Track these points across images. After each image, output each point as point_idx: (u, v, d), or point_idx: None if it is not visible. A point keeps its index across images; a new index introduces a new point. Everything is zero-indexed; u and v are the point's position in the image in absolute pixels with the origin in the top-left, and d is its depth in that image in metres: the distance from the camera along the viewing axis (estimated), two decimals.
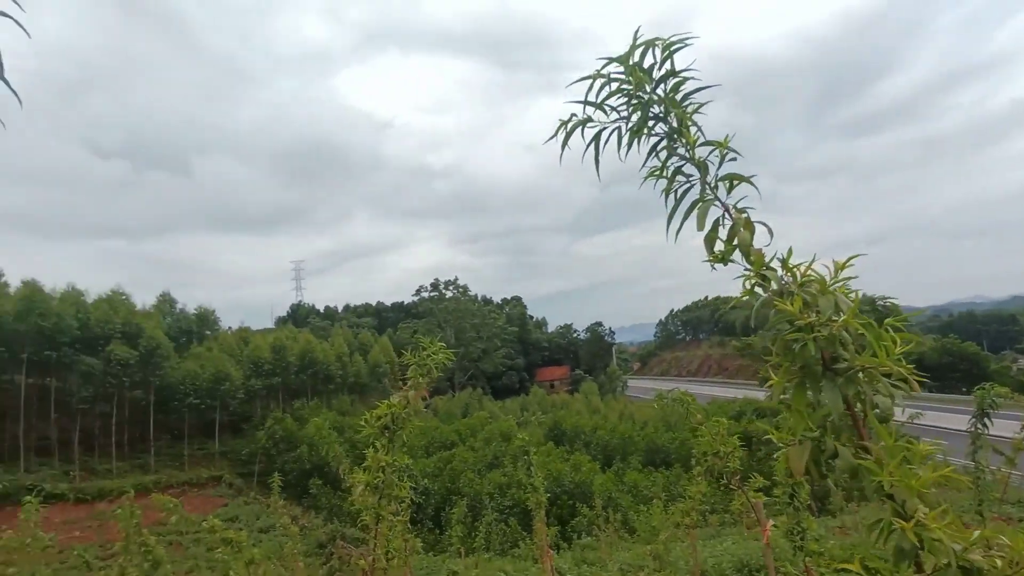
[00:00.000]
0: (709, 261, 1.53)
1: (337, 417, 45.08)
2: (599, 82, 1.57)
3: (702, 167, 1.50)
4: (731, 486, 5.31)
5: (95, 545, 21.00)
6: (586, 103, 1.60)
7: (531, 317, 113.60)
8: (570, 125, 1.62)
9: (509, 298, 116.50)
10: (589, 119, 1.63)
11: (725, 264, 1.51)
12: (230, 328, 56.12)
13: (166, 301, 48.99)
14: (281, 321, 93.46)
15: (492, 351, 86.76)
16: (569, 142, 1.71)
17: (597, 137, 1.63)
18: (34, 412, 36.46)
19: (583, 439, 38.62)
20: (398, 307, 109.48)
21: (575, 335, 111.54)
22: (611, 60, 1.56)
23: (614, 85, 1.56)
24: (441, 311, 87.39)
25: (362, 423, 3.58)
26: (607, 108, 1.60)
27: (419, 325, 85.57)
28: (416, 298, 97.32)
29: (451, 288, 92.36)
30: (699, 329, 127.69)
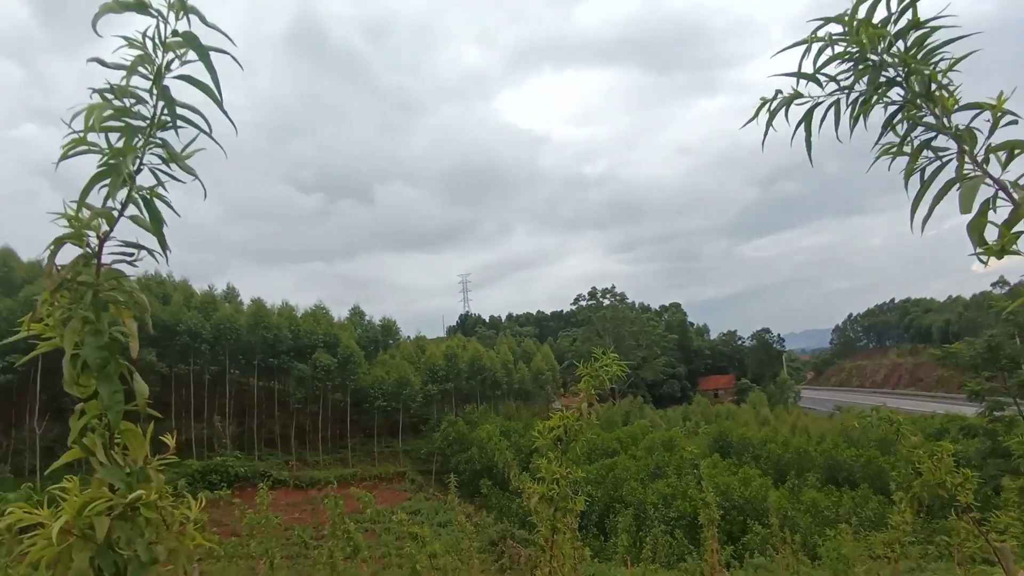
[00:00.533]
0: (978, 254, 1.19)
1: (504, 422, 47.24)
2: (815, 47, 1.31)
3: (967, 137, 1.17)
4: (963, 523, 4.41)
5: (310, 527, 24.38)
6: (799, 75, 1.35)
7: (692, 324, 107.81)
8: (775, 103, 1.39)
9: (668, 305, 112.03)
10: (798, 94, 1.38)
11: (1001, 257, 1.17)
12: (408, 337, 61.89)
13: (357, 314, 55.65)
14: (451, 330, 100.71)
15: (652, 359, 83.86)
16: (751, 124, 1.48)
17: (809, 115, 1.37)
18: (263, 410, 43.92)
19: (751, 452, 36.18)
20: (557, 316, 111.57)
21: (740, 342, 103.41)
22: (827, 20, 1.29)
23: (835, 49, 1.29)
24: (599, 319, 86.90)
25: (535, 433, 3.59)
26: (822, 78, 1.34)
27: (578, 333, 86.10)
28: (574, 307, 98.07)
29: (608, 296, 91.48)
30: (884, 335, 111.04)
